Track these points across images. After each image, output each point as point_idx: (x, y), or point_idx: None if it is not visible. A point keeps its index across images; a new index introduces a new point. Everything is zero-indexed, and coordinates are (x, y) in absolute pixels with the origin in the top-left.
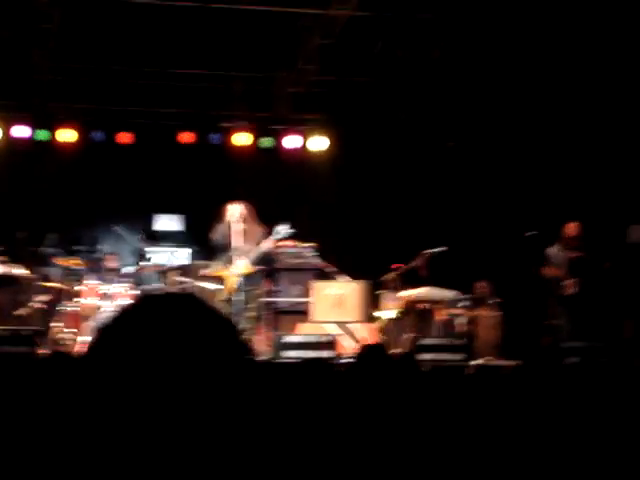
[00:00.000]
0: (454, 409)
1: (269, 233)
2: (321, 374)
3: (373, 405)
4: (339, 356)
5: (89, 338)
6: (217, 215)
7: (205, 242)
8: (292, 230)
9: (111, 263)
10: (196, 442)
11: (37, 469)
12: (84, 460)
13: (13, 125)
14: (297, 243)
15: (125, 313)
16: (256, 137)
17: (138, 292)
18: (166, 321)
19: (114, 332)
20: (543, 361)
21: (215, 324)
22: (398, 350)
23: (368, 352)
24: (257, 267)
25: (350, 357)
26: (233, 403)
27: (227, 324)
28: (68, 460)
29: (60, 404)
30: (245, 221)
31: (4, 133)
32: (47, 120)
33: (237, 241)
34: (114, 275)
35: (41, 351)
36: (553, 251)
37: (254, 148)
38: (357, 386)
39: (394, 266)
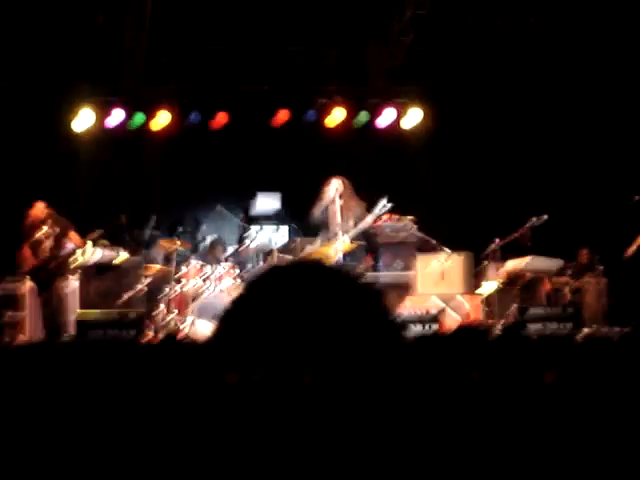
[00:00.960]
0: (565, 379)
1: (369, 208)
2: (428, 348)
3: (483, 378)
4: (444, 331)
5: (193, 320)
6: (317, 192)
7: (303, 219)
8: (391, 204)
9: (219, 253)
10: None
11: (158, 452)
12: (212, 442)
13: (110, 109)
14: (398, 217)
15: (255, 285)
16: (351, 112)
17: (240, 272)
18: (301, 289)
19: (248, 303)
20: None
21: (358, 292)
22: (505, 322)
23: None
24: (358, 243)
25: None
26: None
27: (368, 291)
28: (193, 444)
29: (179, 390)
30: (344, 197)
31: (100, 118)
32: (142, 103)
33: (338, 217)
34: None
35: (148, 334)
36: None
37: (350, 123)
38: (460, 358)
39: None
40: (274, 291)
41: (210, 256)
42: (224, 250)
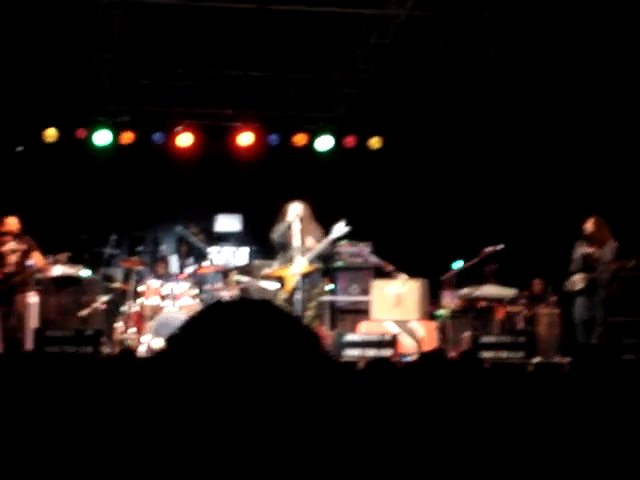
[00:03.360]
0: (516, 407)
1: (327, 232)
2: (383, 373)
3: (436, 402)
4: (400, 355)
5: (151, 338)
6: (276, 214)
7: (263, 241)
8: (348, 227)
9: (160, 269)
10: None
11: (99, 467)
12: (148, 461)
13: (76, 127)
14: (355, 242)
15: (197, 319)
16: (313, 137)
17: (198, 292)
18: (241, 327)
19: (186, 337)
20: (600, 358)
21: (296, 332)
22: (458, 348)
23: (428, 356)
24: (316, 266)
25: (410, 357)
26: (320, 411)
27: (307, 332)
28: (132, 460)
29: (125, 404)
30: (303, 220)
31: (66, 135)
32: (107, 122)
33: (296, 240)
34: (174, 276)
35: (105, 351)
36: (576, 246)
37: (311, 148)
38: (418, 385)
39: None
40: (215, 326)
41: (154, 272)
42: (166, 267)
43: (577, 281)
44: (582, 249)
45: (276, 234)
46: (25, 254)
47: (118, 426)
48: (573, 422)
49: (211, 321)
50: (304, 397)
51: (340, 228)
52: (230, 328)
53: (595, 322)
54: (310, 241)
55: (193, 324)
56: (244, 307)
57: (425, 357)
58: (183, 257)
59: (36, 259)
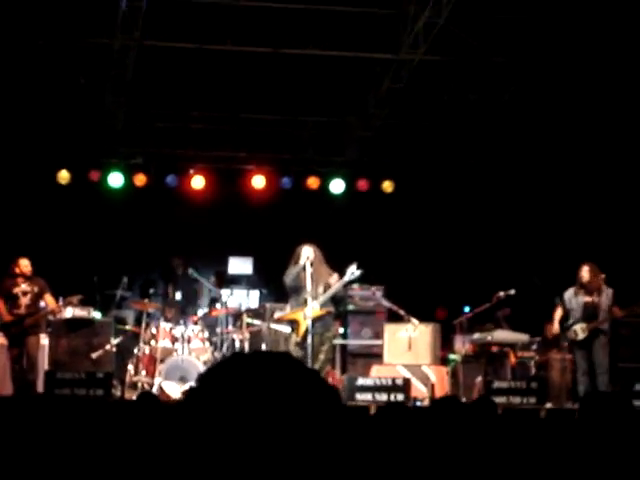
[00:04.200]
0: (529, 452)
1: (339, 275)
2: (397, 418)
3: (450, 448)
4: (412, 399)
5: (162, 381)
6: (290, 257)
7: (275, 284)
8: (360, 271)
9: (169, 313)
10: None
11: None
12: None
13: (89, 170)
14: (367, 286)
15: (215, 371)
16: (325, 180)
17: (209, 336)
18: (260, 380)
19: (204, 390)
20: (611, 405)
21: (314, 387)
22: (471, 394)
23: (442, 401)
24: (328, 309)
25: (422, 402)
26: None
27: (328, 388)
28: None
29: (137, 451)
30: (315, 263)
31: (79, 178)
32: (120, 165)
33: (309, 283)
34: (187, 318)
35: (116, 394)
36: (568, 294)
37: (324, 191)
38: (433, 430)
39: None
40: (233, 380)
41: (164, 316)
42: (177, 310)
43: (579, 330)
44: (581, 298)
45: (289, 278)
46: (37, 296)
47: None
48: (584, 469)
49: (229, 374)
50: (321, 449)
51: (352, 271)
52: (248, 381)
53: (597, 370)
54: (321, 285)
55: (211, 376)
56: (262, 360)
57: (439, 402)
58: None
59: (48, 301)
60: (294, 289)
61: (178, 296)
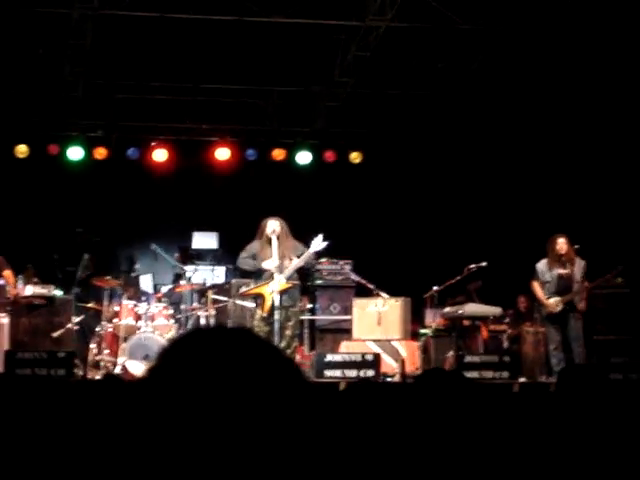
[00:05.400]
0: (502, 427)
1: (305, 248)
2: (366, 394)
3: (423, 424)
4: (382, 375)
5: (125, 359)
6: (255, 231)
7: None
8: (327, 243)
9: (129, 292)
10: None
11: None
12: None
13: (49, 143)
14: (335, 259)
15: (175, 348)
16: (292, 152)
17: (173, 312)
18: (220, 356)
19: (164, 369)
20: (588, 378)
21: (275, 363)
22: (443, 368)
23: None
24: (294, 282)
25: (393, 377)
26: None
27: (288, 364)
28: None
29: (104, 430)
30: (281, 236)
31: (39, 151)
32: (81, 138)
33: (275, 257)
34: (150, 295)
35: (78, 373)
36: (541, 266)
37: (290, 163)
38: (406, 406)
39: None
40: (194, 355)
41: (126, 293)
42: (137, 289)
43: (556, 303)
44: (555, 270)
45: (242, 264)
46: None
47: (91, 453)
48: (560, 442)
49: (189, 350)
50: (284, 425)
51: (318, 243)
52: (208, 358)
53: (572, 344)
54: (287, 258)
55: (170, 354)
56: (222, 336)
57: (424, 376)
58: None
59: (7, 277)
60: (252, 265)
61: None
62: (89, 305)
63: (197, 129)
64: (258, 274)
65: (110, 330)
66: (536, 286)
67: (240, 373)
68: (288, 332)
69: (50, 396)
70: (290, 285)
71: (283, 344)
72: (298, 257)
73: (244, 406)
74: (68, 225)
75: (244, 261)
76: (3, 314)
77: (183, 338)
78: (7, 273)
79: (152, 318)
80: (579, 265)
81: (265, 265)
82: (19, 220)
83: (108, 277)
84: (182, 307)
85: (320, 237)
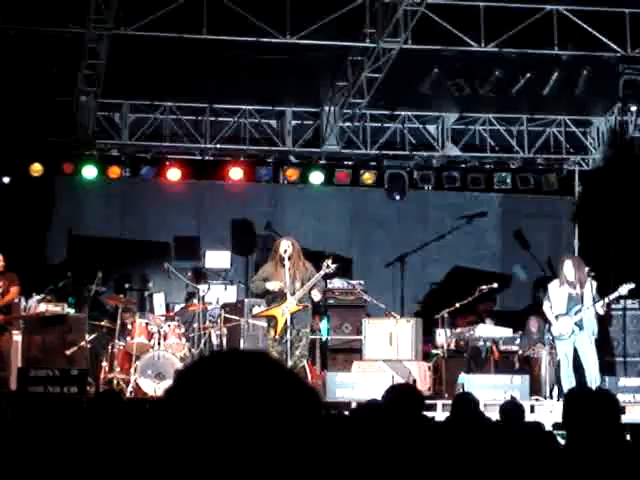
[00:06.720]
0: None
1: (317, 269)
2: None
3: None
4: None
5: (137, 377)
6: (269, 252)
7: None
8: (336, 265)
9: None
10: None
11: None
12: None
13: (61, 162)
14: (347, 280)
15: (193, 370)
16: (304, 172)
17: (185, 332)
18: (236, 381)
19: (181, 390)
20: (597, 403)
21: (292, 389)
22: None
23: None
24: (305, 304)
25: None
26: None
27: (304, 388)
28: None
29: (112, 446)
30: (293, 257)
31: (53, 171)
32: (93, 157)
33: (287, 278)
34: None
35: (91, 391)
36: (553, 287)
37: (303, 183)
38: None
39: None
40: (211, 379)
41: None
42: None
43: (566, 324)
44: (565, 290)
45: (252, 288)
46: (5, 292)
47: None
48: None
49: (206, 374)
50: (299, 451)
51: (327, 265)
52: (225, 383)
53: (584, 365)
54: (299, 279)
55: (188, 377)
56: (239, 360)
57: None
58: None
59: (12, 294)
60: (264, 295)
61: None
62: (102, 323)
63: (211, 149)
64: (270, 296)
65: (122, 348)
66: (547, 307)
67: (257, 399)
68: (297, 352)
69: (62, 413)
70: (301, 307)
71: (290, 363)
72: (308, 279)
73: (260, 432)
74: (81, 243)
75: (254, 285)
76: (16, 331)
77: (200, 361)
78: (14, 289)
79: (165, 336)
80: (590, 286)
81: (269, 286)
82: (33, 238)
83: (121, 295)
84: (194, 326)
85: (329, 261)
